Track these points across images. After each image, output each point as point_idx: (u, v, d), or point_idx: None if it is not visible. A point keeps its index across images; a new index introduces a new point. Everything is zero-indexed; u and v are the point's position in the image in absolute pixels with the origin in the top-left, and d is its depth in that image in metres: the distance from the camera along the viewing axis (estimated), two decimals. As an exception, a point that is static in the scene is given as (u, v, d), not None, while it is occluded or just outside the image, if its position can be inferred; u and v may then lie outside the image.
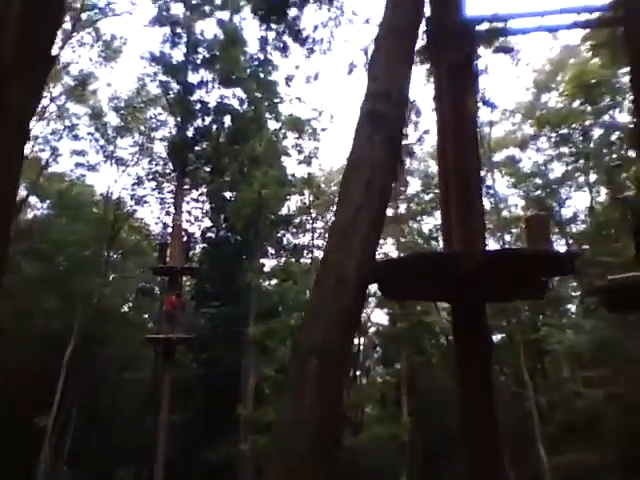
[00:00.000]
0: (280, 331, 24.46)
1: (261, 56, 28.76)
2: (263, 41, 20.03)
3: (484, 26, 8.13)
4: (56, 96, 30.61)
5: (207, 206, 32.99)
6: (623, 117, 27.10)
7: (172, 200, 30.22)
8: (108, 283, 32.46)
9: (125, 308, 36.63)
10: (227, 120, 30.08)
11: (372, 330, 36.91)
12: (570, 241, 30.94)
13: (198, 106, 29.23)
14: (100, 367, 29.07)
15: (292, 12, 13.89)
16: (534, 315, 29.84)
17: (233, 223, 29.29)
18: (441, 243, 9.23)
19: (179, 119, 29.17)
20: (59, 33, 26.32)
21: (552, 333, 25.57)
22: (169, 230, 28.60)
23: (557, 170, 31.93)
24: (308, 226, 33.95)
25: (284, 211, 32.27)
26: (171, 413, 23.47)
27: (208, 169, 30.37)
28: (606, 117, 28.60)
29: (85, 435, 26.42)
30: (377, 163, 6.11)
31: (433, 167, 29.86)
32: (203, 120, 29.54)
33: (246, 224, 28.07)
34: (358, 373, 34.29)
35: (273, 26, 14.44)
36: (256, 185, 26.79)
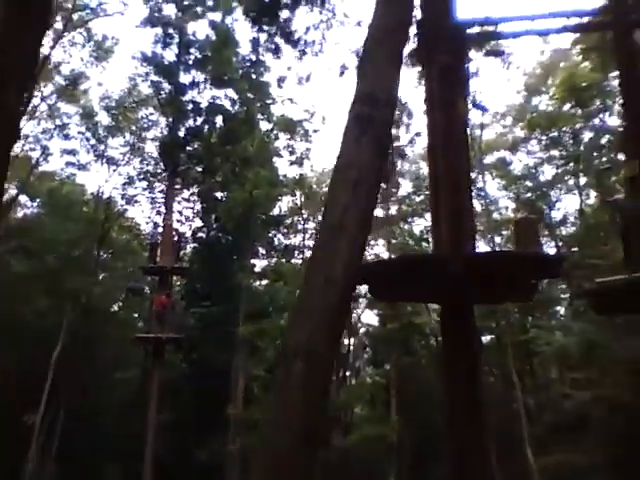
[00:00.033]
0: (270, 331, 24.50)
1: (253, 57, 28.75)
2: (255, 42, 20.04)
3: (475, 29, 8.19)
4: (47, 95, 30.52)
5: (198, 206, 32.96)
6: (613, 121, 27.38)
7: (163, 200, 30.12)
8: (98, 282, 32.35)
9: (115, 307, 36.50)
10: (219, 120, 30.06)
11: (362, 331, 36.98)
12: (560, 243, 31.14)
13: (190, 106, 29.16)
14: (89, 366, 28.92)
15: (284, 14, 13.92)
16: (523, 317, 30.01)
17: (224, 223, 29.28)
18: (432, 245, 9.27)
19: (171, 119, 29.08)
20: (50, 33, 26.32)
21: (541, 335, 25.75)
22: (160, 230, 28.56)
23: (547, 173, 32.20)
24: (299, 227, 33.98)
25: (275, 211, 32.31)
26: (160, 412, 23.42)
27: (199, 169, 30.32)
28: (596, 120, 28.85)
29: (73, 434, 26.29)
30: (365, 165, 6.14)
31: (424, 169, 29.90)
32: (195, 120, 29.49)
33: (237, 224, 28.06)
34: (348, 373, 34.34)
35: (265, 28, 14.44)
36: (247, 185, 26.81)
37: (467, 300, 7.24)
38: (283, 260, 32.44)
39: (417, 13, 8.38)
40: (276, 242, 33.86)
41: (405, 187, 34.21)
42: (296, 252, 34.08)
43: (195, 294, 30.29)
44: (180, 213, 32.04)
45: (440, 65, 7.31)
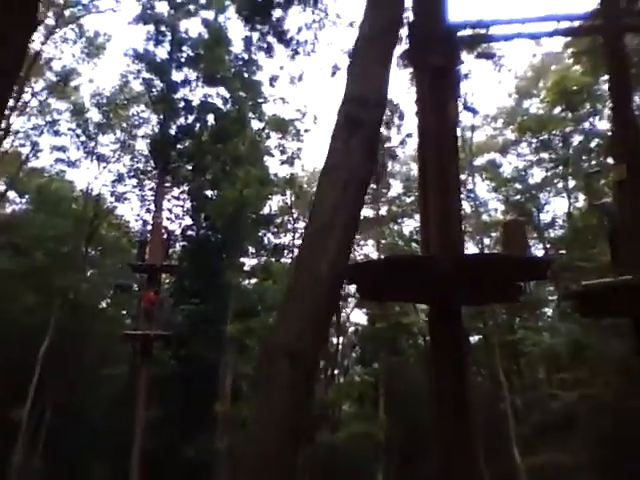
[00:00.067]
0: (259, 330, 24.49)
1: (245, 56, 28.73)
2: (248, 41, 20.04)
3: (467, 32, 8.23)
4: (38, 91, 30.40)
5: (188, 204, 32.84)
6: (603, 125, 27.59)
7: (153, 197, 30.06)
8: (86, 279, 32.22)
9: (103, 304, 36.39)
10: (210, 119, 30.03)
11: (351, 330, 37.07)
12: (548, 246, 31.36)
13: (181, 104, 29.13)
14: (76, 362, 28.81)
15: (276, 13, 13.94)
16: (511, 317, 30.21)
17: (214, 221, 29.24)
18: (420, 246, 9.31)
19: (162, 117, 29.02)
20: (41, 28, 26.18)
21: (528, 335, 25.93)
22: (149, 227, 28.45)
23: (537, 175, 32.42)
24: (289, 226, 33.98)
25: (266, 211, 32.27)
26: (148, 409, 23.38)
27: (190, 167, 30.28)
28: (586, 124, 29.07)
29: (60, 430, 26.19)
30: (354, 166, 6.18)
31: (415, 170, 30.05)
32: (186, 118, 29.46)
33: (227, 223, 28.02)
34: (336, 372, 34.42)
35: (258, 26, 14.46)
36: (238, 184, 26.79)
37: (455, 301, 7.29)
38: (273, 259, 32.43)
39: (409, 15, 8.44)
40: (266, 241, 33.83)
41: (395, 188, 34.40)
42: (286, 251, 34.08)
43: (184, 292, 30.23)
44: (170, 211, 31.95)
45: (431, 67, 7.34)
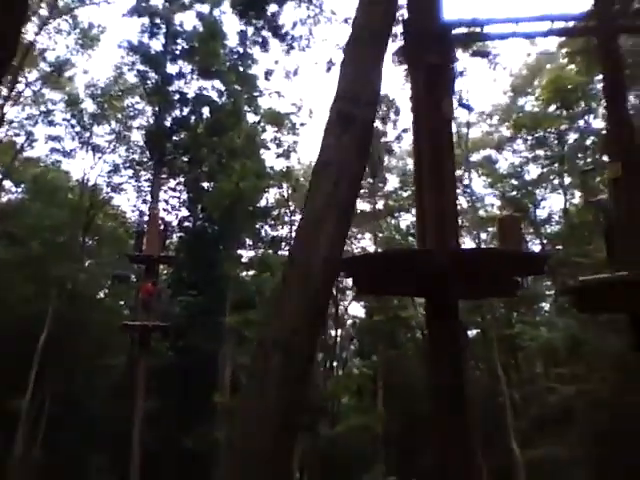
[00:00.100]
0: (256, 321, 24.55)
1: (240, 50, 28.70)
2: (243, 35, 19.99)
3: (462, 30, 8.25)
4: (32, 81, 30.26)
5: (184, 195, 32.83)
6: (597, 123, 27.66)
7: (149, 188, 30.02)
8: (83, 269, 32.20)
9: (101, 294, 36.39)
10: (205, 111, 29.96)
11: (349, 323, 37.22)
12: (544, 241, 31.46)
13: (176, 96, 29.03)
14: (75, 353, 28.80)
15: (271, 8, 13.90)
16: (509, 312, 30.33)
17: (210, 213, 29.24)
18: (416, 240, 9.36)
19: (157, 109, 28.93)
20: (35, 19, 26.06)
21: (526, 330, 26.05)
22: (146, 218, 28.43)
23: (533, 172, 32.48)
24: (286, 219, 33.99)
25: (262, 203, 32.27)
26: (147, 400, 23.44)
27: (186, 159, 30.23)
28: (581, 122, 29.14)
29: (59, 420, 26.25)
30: (346, 163, 6.20)
31: (411, 164, 30.04)
32: (181, 111, 29.38)
33: (224, 215, 28.03)
34: (335, 364, 34.57)
35: (252, 21, 14.42)
36: (234, 176, 26.78)
37: (452, 295, 7.34)
38: (270, 251, 32.47)
39: (404, 12, 8.45)
40: (263, 233, 33.87)
41: (392, 182, 34.45)
42: (283, 244, 34.12)
43: (181, 283, 30.27)
44: (166, 202, 31.96)
45: (426, 64, 7.37)
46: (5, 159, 29.52)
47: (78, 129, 32.18)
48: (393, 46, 12.46)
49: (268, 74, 19.18)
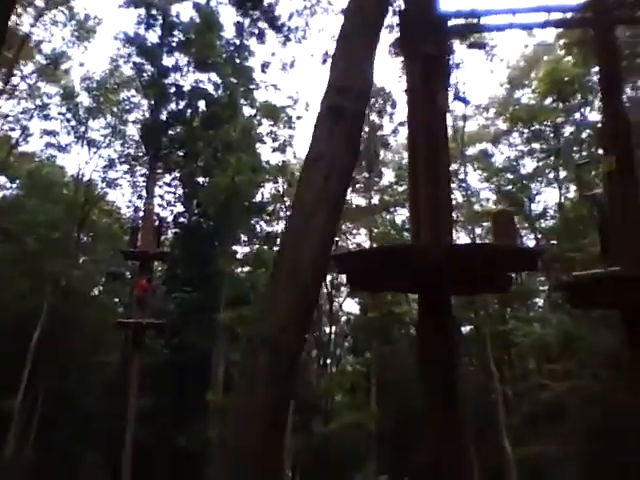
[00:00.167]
0: (250, 318, 24.47)
1: (237, 41, 28.56)
2: (239, 26, 19.89)
3: (459, 21, 8.17)
4: (27, 74, 30.08)
5: (180, 191, 32.74)
6: (594, 116, 27.60)
7: (144, 184, 29.92)
8: (78, 265, 32.09)
9: (95, 291, 36.29)
10: (202, 105, 29.85)
11: (343, 319, 37.16)
12: (539, 236, 31.45)
13: (172, 89, 28.94)
14: (69, 350, 28.74)
15: (268, -2, 13.82)
16: (502, 308, 30.32)
17: (206, 209, 29.13)
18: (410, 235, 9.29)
19: (153, 102, 28.84)
20: (31, 10, 25.89)
21: (519, 326, 26.02)
22: (141, 214, 28.31)
23: (528, 166, 32.45)
24: (282, 214, 33.87)
25: (258, 198, 32.15)
26: (140, 398, 23.36)
27: (181, 153, 30.14)
28: (577, 115, 29.09)
29: (52, 419, 26.17)
30: (336, 157, 6.14)
31: (407, 159, 30.01)
32: (177, 104, 29.27)
33: (219, 210, 27.92)
34: (329, 361, 34.56)
35: (249, 12, 14.33)
36: (230, 171, 26.66)
37: (445, 291, 7.27)
38: (265, 247, 32.39)
39: (400, 3, 8.37)
40: (258, 229, 33.78)
41: (388, 177, 34.33)
42: (278, 240, 34.02)
43: (176, 279, 30.18)
44: (162, 197, 31.86)
45: (422, 56, 7.28)
46: (0, 154, 29.35)
47: (73, 123, 32.07)
48: (390, 37, 12.42)
49: (265, 66, 19.12)
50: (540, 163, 31.51)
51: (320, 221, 5.84)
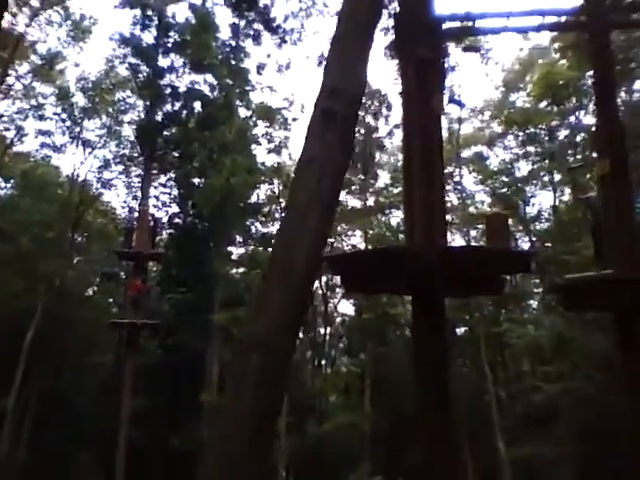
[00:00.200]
0: (245, 319, 24.45)
1: (233, 43, 28.58)
2: (235, 28, 19.91)
3: (454, 24, 8.19)
4: (22, 74, 30.03)
5: (175, 192, 32.72)
6: (588, 119, 27.72)
7: (139, 184, 29.87)
8: (72, 265, 32.01)
9: (89, 292, 36.19)
10: (197, 106, 29.83)
11: (338, 320, 37.18)
12: (534, 239, 31.54)
13: (168, 90, 28.89)
14: (63, 350, 28.66)
15: (263, 0, 13.84)
16: (497, 310, 30.39)
17: (201, 209, 29.11)
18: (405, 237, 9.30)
19: (148, 103, 28.80)
20: (26, 10, 25.83)
21: (513, 328, 26.10)
22: (135, 215, 28.30)
23: (523, 169, 32.60)
24: (277, 215, 33.88)
25: (253, 199, 32.16)
26: (135, 398, 23.32)
27: (177, 154, 30.10)
28: (572, 118, 29.21)
29: (45, 419, 26.09)
30: (329, 159, 6.15)
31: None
32: (173, 105, 29.24)
33: (214, 211, 27.91)
34: (323, 362, 34.56)
35: (245, 13, 14.35)
36: (225, 172, 26.66)
37: (438, 293, 7.30)
38: (260, 248, 32.37)
39: (395, 6, 8.39)
40: (253, 230, 33.78)
41: (383, 179, 34.38)
42: (273, 241, 33.97)
43: (171, 280, 30.13)
44: (157, 198, 31.87)
45: (417, 59, 7.30)
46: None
47: (68, 123, 32.02)
48: (385, 40, 12.45)
49: (260, 68, 19.16)
50: (535, 166, 31.65)
51: (313, 222, 5.86)
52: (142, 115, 30.11)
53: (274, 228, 34.04)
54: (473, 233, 30.60)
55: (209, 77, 29.73)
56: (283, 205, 32.77)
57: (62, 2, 28.94)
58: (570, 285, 7.82)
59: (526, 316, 30.67)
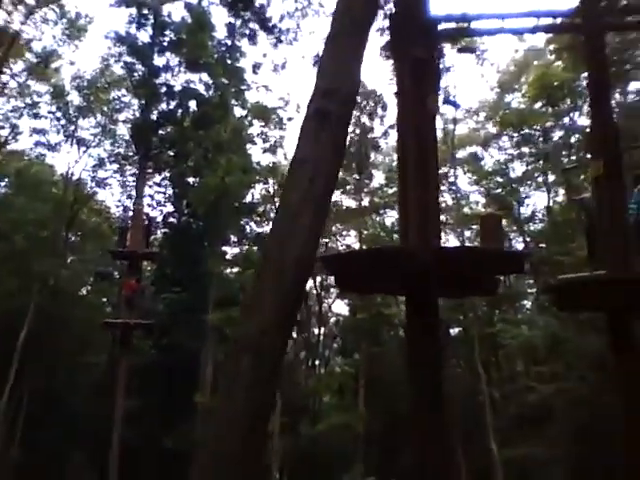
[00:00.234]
0: (239, 319, 24.41)
1: (229, 42, 28.51)
2: (231, 27, 19.88)
3: (449, 25, 8.20)
4: (17, 72, 29.92)
5: (170, 191, 32.66)
6: (582, 120, 27.82)
7: (134, 183, 29.79)
8: (66, 265, 31.91)
9: (83, 291, 36.09)
10: (192, 105, 29.77)
11: (332, 320, 37.18)
12: (528, 239, 31.63)
13: (163, 89, 28.83)
14: (56, 350, 28.58)
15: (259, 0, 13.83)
16: (491, 310, 30.45)
17: (195, 209, 29.08)
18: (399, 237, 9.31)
19: (143, 102, 28.71)
20: (21, 8, 25.74)
21: (507, 328, 26.16)
22: (130, 214, 28.23)
23: (517, 169, 32.68)
24: (272, 215, 33.84)
25: (248, 199, 32.12)
26: (128, 399, 23.26)
27: (172, 153, 30.04)
28: (566, 119, 29.31)
29: (39, 418, 26.01)
30: (322, 160, 6.14)
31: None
32: (168, 104, 29.18)
33: (209, 210, 27.88)
34: (317, 362, 34.54)
35: (240, 13, 14.34)
36: (220, 171, 26.62)
37: (432, 293, 7.30)
38: (254, 248, 32.35)
39: (391, 6, 8.40)
40: (248, 230, 33.75)
41: (378, 179, 34.39)
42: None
43: (165, 280, 30.09)
44: (151, 197, 31.84)
45: (413, 59, 7.31)
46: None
47: (63, 122, 31.91)
48: (381, 40, 12.46)
49: (256, 67, 19.11)
50: (529, 167, 31.75)
51: (306, 222, 5.85)
52: (137, 114, 30.07)
53: (269, 228, 34.01)
54: (467, 233, 30.65)
55: (204, 76, 29.72)
56: (278, 205, 32.78)
57: (58, 0, 28.83)
58: (563, 286, 7.84)
59: (520, 316, 30.74)
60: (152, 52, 28.26)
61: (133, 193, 29.40)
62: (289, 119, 30.43)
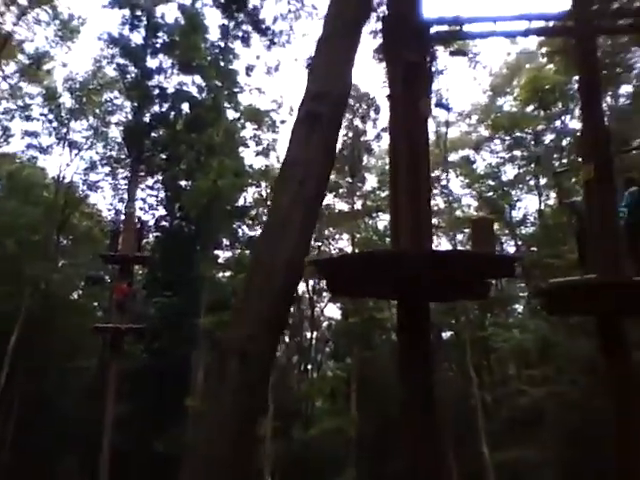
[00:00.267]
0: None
1: (222, 44, 28.46)
2: (224, 29, 19.86)
3: (442, 28, 8.21)
4: (9, 74, 29.79)
5: (162, 194, 32.54)
6: (574, 123, 27.97)
7: (126, 187, 29.68)
8: (57, 269, 31.73)
9: (75, 295, 35.88)
10: (185, 107, 29.71)
11: (324, 324, 37.11)
12: (519, 243, 31.72)
13: (156, 92, 28.73)
14: (46, 354, 28.41)
15: (253, 1, 13.83)
16: (482, 314, 30.50)
17: (188, 212, 28.97)
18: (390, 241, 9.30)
19: (136, 104, 28.59)
20: (14, 9, 25.62)
21: (499, 332, 26.20)
22: (122, 217, 28.12)
23: (509, 172, 32.80)
24: (264, 218, 33.77)
25: (240, 202, 32.03)
26: (119, 403, 23.12)
27: (164, 156, 29.94)
28: (558, 123, 29.45)
29: (29, 423, 25.85)
30: (312, 162, 6.13)
31: (390, 164, 30.05)
32: (160, 106, 29.09)
33: (201, 214, 27.78)
34: (309, 367, 34.46)
35: (234, 15, 14.32)
36: (212, 174, 26.55)
37: (423, 297, 7.30)
38: (247, 252, 32.26)
39: (384, 9, 8.40)
40: (240, 233, 33.65)
41: (371, 182, 34.38)
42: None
43: (157, 283, 29.93)
44: (143, 201, 31.71)
45: (405, 62, 7.31)
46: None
47: (55, 124, 31.74)
48: (373, 43, 12.47)
49: (249, 69, 19.07)
50: (521, 170, 31.89)
51: (296, 224, 5.83)
52: (129, 116, 29.96)
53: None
54: (459, 237, 30.71)
55: (197, 78, 29.66)
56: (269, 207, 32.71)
57: (50, 1, 28.70)
58: (554, 289, 7.87)
59: (511, 320, 30.79)
60: (145, 54, 28.17)
61: (125, 196, 29.27)
62: (282, 122, 30.44)
